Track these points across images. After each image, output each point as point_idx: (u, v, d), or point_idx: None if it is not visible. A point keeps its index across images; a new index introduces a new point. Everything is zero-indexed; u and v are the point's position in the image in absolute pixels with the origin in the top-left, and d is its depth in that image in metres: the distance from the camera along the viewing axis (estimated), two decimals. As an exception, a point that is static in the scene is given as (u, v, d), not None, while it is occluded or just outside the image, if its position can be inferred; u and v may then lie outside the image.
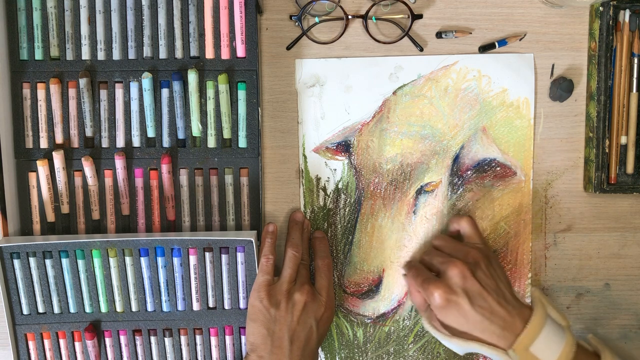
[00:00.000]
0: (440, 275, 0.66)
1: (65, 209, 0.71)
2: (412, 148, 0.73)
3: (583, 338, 0.67)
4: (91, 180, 0.71)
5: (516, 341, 0.62)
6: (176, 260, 0.70)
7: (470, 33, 0.72)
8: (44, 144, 0.71)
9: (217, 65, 0.70)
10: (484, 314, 0.63)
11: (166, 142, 0.71)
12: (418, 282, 0.67)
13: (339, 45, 0.72)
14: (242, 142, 0.71)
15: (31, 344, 0.71)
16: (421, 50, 0.72)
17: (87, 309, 0.71)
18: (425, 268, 0.69)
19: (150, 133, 0.71)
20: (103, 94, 0.71)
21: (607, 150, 0.71)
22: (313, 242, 0.73)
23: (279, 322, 0.66)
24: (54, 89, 0.70)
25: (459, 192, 0.74)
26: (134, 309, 0.71)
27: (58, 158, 0.70)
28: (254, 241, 0.69)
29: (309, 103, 0.73)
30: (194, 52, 0.70)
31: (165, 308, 0.71)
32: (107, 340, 0.71)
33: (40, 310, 0.71)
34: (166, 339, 0.72)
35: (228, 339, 0.72)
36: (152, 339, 0.72)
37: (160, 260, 0.70)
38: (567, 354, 0.62)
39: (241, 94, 0.70)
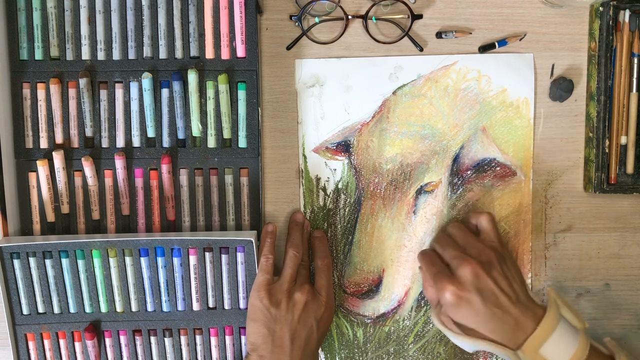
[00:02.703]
0: (451, 270, 0.64)
1: (65, 209, 0.71)
2: (412, 148, 0.73)
3: (599, 340, 0.66)
4: (91, 180, 0.71)
5: (526, 342, 0.60)
6: (176, 260, 0.70)
7: (470, 33, 0.72)
8: (44, 144, 0.71)
9: (217, 65, 0.70)
10: (495, 313, 0.61)
11: (166, 142, 0.71)
12: (431, 273, 0.65)
13: (339, 45, 0.72)
14: (242, 142, 0.71)
15: (31, 344, 0.71)
16: (421, 50, 0.72)
17: (87, 309, 0.71)
18: (439, 259, 0.67)
19: (150, 133, 0.71)
20: (103, 94, 0.71)
21: (607, 150, 0.71)
22: (312, 241, 0.73)
23: (280, 322, 0.66)
24: (54, 89, 0.70)
25: (459, 192, 0.73)
26: (134, 309, 0.71)
27: (58, 158, 0.70)
28: (254, 241, 0.69)
29: (308, 103, 0.73)
30: (194, 52, 0.70)
31: (165, 308, 0.71)
32: (107, 341, 0.71)
33: (40, 310, 0.71)
34: (166, 339, 0.72)
35: (228, 339, 0.72)
36: (152, 339, 0.72)
37: (160, 260, 0.70)
38: (579, 358, 0.60)
39: (241, 94, 0.70)
